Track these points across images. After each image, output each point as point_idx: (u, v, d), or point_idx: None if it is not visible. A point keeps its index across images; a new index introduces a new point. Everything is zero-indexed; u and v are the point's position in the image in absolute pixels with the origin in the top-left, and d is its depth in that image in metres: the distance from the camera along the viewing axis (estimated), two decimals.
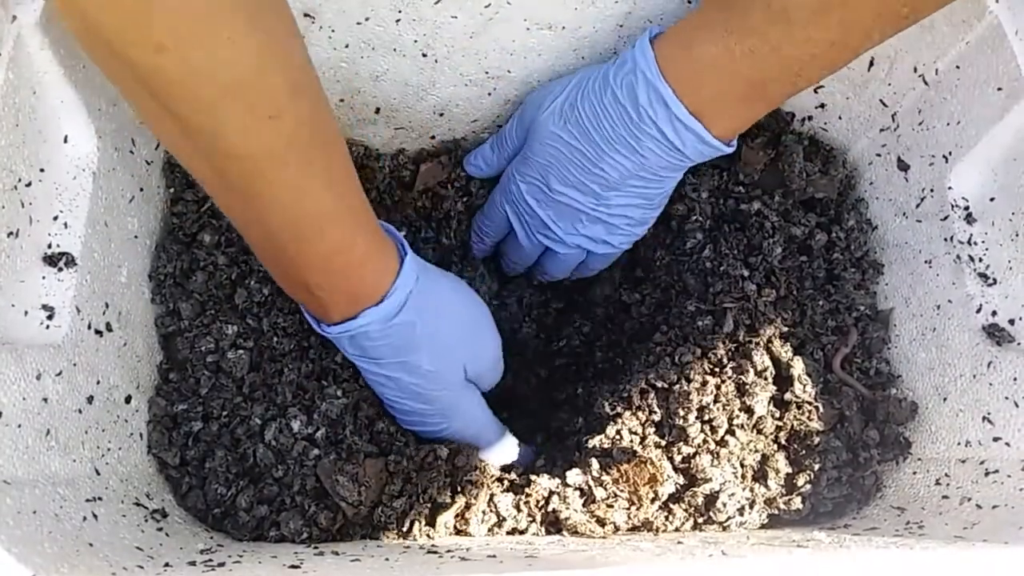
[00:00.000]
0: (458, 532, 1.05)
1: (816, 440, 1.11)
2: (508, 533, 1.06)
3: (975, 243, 1.10)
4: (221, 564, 0.86)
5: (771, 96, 1.05)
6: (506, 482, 1.10)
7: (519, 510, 1.06)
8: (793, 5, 0.93)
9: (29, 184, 0.88)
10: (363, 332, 1.02)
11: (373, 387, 1.11)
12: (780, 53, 0.97)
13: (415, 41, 1.10)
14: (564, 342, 1.38)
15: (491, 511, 1.06)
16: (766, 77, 1.01)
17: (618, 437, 1.10)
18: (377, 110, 1.21)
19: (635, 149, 1.08)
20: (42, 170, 0.91)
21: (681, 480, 1.09)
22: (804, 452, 1.11)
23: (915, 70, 1.15)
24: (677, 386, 1.12)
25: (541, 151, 1.16)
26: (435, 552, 0.92)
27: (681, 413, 1.09)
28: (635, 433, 1.11)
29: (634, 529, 1.07)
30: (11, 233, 0.85)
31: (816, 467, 1.10)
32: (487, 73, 1.17)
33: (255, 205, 0.88)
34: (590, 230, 1.20)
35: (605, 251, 1.24)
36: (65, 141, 0.95)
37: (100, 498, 0.89)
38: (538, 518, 1.06)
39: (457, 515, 1.05)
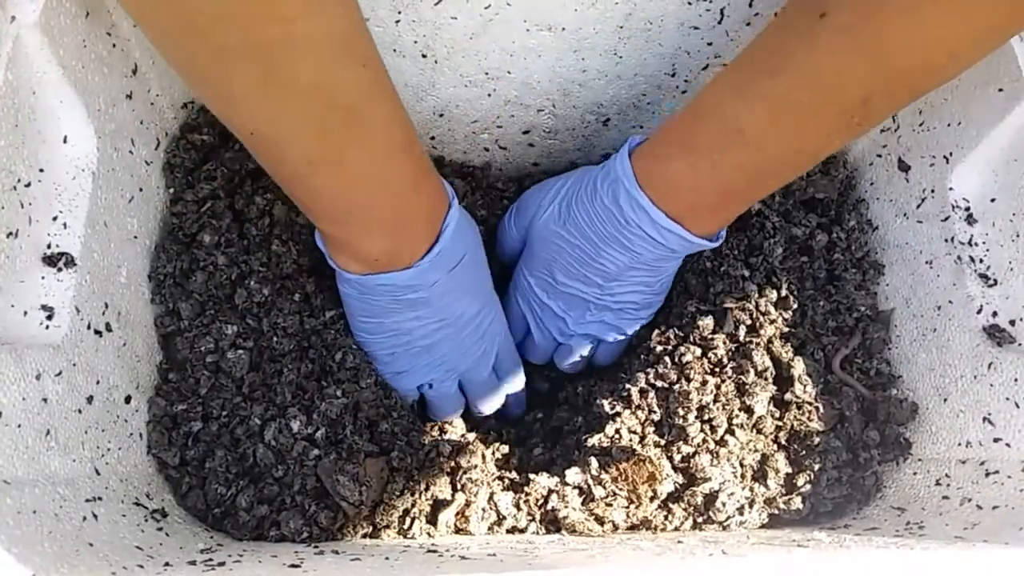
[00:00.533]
0: (458, 531, 1.05)
1: (816, 440, 1.11)
2: (508, 532, 1.06)
3: (976, 244, 1.10)
4: (221, 563, 0.86)
5: (745, 199, 1.09)
6: (506, 480, 1.10)
7: (519, 508, 1.06)
8: (745, 123, 0.96)
9: (28, 184, 0.88)
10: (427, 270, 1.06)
11: (385, 343, 1.16)
12: (743, 168, 1.00)
13: (415, 42, 1.10)
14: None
15: (491, 509, 1.06)
16: (734, 188, 1.04)
17: (617, 436, 1.10)
18: None
19: (627, 247, 1.12)
20: (41, 170, 0.91)
21: (680, 479, 1.09)
22: (804, 452, 1.11)
23: None
24: (677, 385, 1.12)
25: (544, 248, 1.22)
26: (435, 551, 0.92)
27: (681, 412, 1.09)
28: (634, 432, 1.11)
29: (633, 528, 1.07)
30: (10, 233, 0.85)
31: (816, 467, 1.10)
32: (487, 74, 1.17)
33: (349, 155, 0.91)
34: (599, 317, 1.23)
35: (615, 338, 1.27)
36: (64, 141, 0.94)
37: (100, 498, 0.89)
38: (538, 517, 1.06)
39: (457, 513, 1.05)
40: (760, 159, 0.99)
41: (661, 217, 1.06)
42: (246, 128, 0.88)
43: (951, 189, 1.12)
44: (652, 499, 1.07)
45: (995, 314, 1.08)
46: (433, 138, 1.29)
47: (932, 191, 1.15)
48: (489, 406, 1.28)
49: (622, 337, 1.27)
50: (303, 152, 0.89)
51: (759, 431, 1.11)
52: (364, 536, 1.03)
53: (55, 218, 0.92)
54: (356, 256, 1.04)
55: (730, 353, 1.14)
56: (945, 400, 1.11)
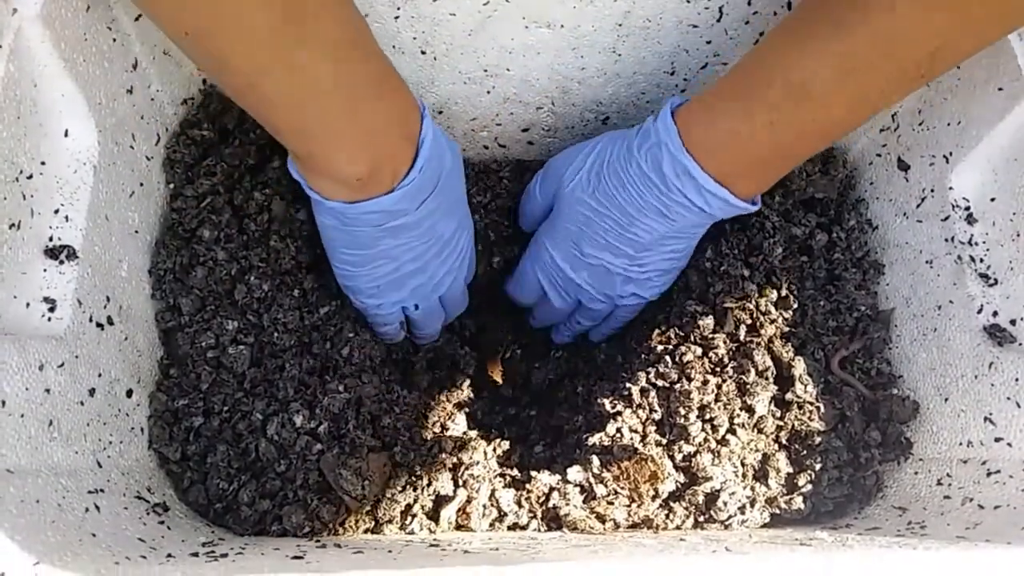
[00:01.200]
0: (460, 527, 1.05)
1: (817, 440, 1.11)
2: (509, 528, 1.06)
3: (976, 243, 1.10)
4: (224, 555, 0.86)
5: (793, 159, 1.09)
6: (508, 477, 1.09)
7: (520, 505, 1.06)
8: (812, 80, 0.95)
9: (30, 177, 0.88)
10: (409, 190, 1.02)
11: (361, 262, 1.11)
12: (800, 125, 0.99)
13: (414, 38, 1.11)
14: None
15: (492, 506, 1.06)
16: (786, 146, 1.03)
17: (619, 435, 1.10)
18: None
19: (665, 215, 1.10)
20: (43, 163, 0.91)
21: (682, 478, 1.09)
22: (805, 452, 1.11)
23: None
24: (678, 385, 1.12)
25: (572, 219, 1.19)
26: (437, 545, 0.92)
27: (682, 412, 1.09)
28: (636, 431, 1.11)
29: (634, 527, 1.07)
30: (13, 225, 0.85)
31: (817, 467, 1.10)
32: (486, 71, 1.17)
33: (299, 58, 0.88)
34: (624, 288, 1.22)
35: (635, 303, 1.26)
36: (66, 135, 0.94)
37: (102, 490, 0.88)
38: (539, 514, 1.06)
39: (459, 509, 1.05)
40: (821, 116, 0.98)
41: (708, 181, 1.04)
42: (187, 26, 0.84)
43: (951, 188, 1.13)
44: (654, 498, 1.06)
45: (995, 314, 1.08)
46: None
47: (932, 190, 1.15)
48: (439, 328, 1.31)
49: (642, 302, 1.27)
50: (249, 56, 0.85)
51: (760, 431, 1.11)
52: (366, 531, 1.03)
53: (57, 211, 0.92)
54: (336, 178, 1.00)
55: (731, 353, 1.14)
56: (946, 400, 1.11)
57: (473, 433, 1.21)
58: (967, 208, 1.12)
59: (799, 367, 1.13)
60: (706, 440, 1.09)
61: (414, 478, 1.06)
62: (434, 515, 1.04)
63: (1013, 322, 1.06)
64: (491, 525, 1.06)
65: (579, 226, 1.18)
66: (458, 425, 1.24)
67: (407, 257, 1.11)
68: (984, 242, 1.10)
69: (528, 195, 1.28)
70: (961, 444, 1.07)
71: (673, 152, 1.05)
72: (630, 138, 1.12)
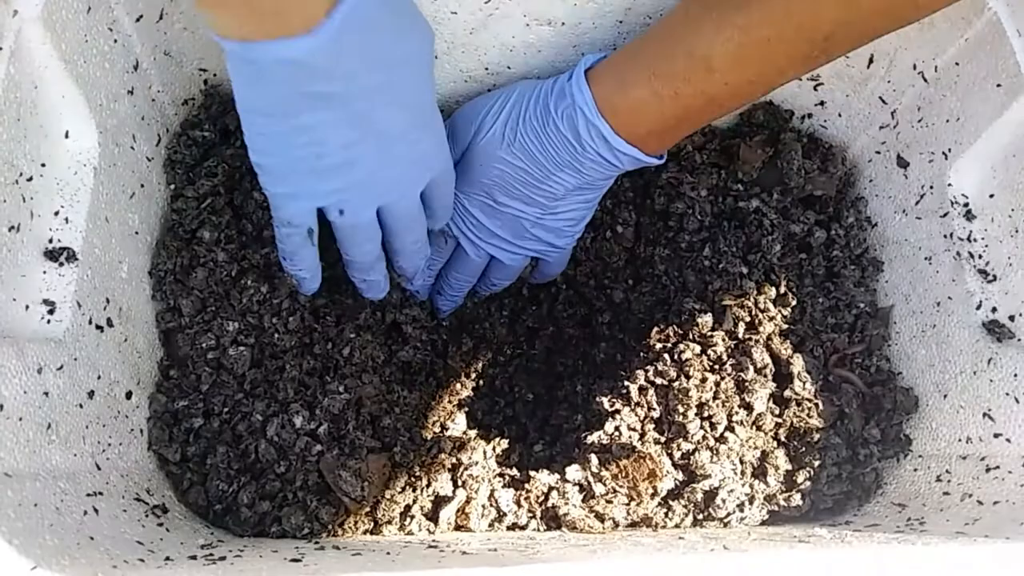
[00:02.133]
0: (459, 527, 1.05)
1: (816, 437, 1.11)
2: (508, 528, 1.06)
3: (975, 240, 1.10)
4: (222, 558, 0.86)
5: (699, 124, 1.14)
6: (507, 477, 1.10)
7: (519, 505, 1.06)
8: (713, 54, 1.01)
9: (30, 179, 0.88)
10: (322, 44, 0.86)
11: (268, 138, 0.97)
12: (703, 94, 1.04)
13: None
14: (564, 338, 1.38)
15: (491, 506, 1.06)
16: (691, 113, 1.07)
17: (617, 433, 1.10)
18: None
19: (578, 170, 1.13)
20: (43, 165, 0.91)
21: (680, 476, 1.09)
22: (804, 449, 1.11)
23: (914, 67, 1.15)
24: (676, 383, 1.12)
25: (486, 172, 1.18)
26: (436, 547, 0.92)
27: (680, 410, 1.09)
28: (634, 429, 1.11)
29: (633, 525, 1.07)
30: (12, 227, 0.85)
31: (816, 464, 1.10)
32: (487, 69, 1.17)
33: None
34: (536, 235, 1.23)
35: (553, 253, 1.27)
36: (66, 136, 0.94)
37: (101, 493, 0.89)
38: (538, 514, 1.06)
39: (458, 510, 1.05)
40: (722, 89, 1.03)
41: (620, 143, 1.08)
42: None
43: (950, 185, 1.13)
44: (652, 496, 1.06)
45: (994, 310, 1.08)
46: None
47: (931, 187, 1.15)
48: (411, 260, 1.19)
49: (559, 252, 1.28)
50: None
51: (759, 428, 1.11)
52: (365, 532, 1.03)
53: (57, 212, 0.92)
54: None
55: (729, 350, 1.14)
56: (945, 396, 1.11)
57: (472, 433, 1.21)
58: (966, 204, 1.12)
59: (798, 364, 1.13)
60: (705, 438, 1.09)
61: (413, 479, 1.06)
62: (433, 516, 1.04)
63: (1012, 318, 1.06)
64: (490, 525, 1.06)
65: (492, 178, 1.18)
66: (458, 425, 1.24)
67: (333, 142, 0.96)
68: (983, 238, 1.10)
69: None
70: (960, 440, 1.07)
71: (588, 116, 1.08)
72: (546, 95, 1.13)
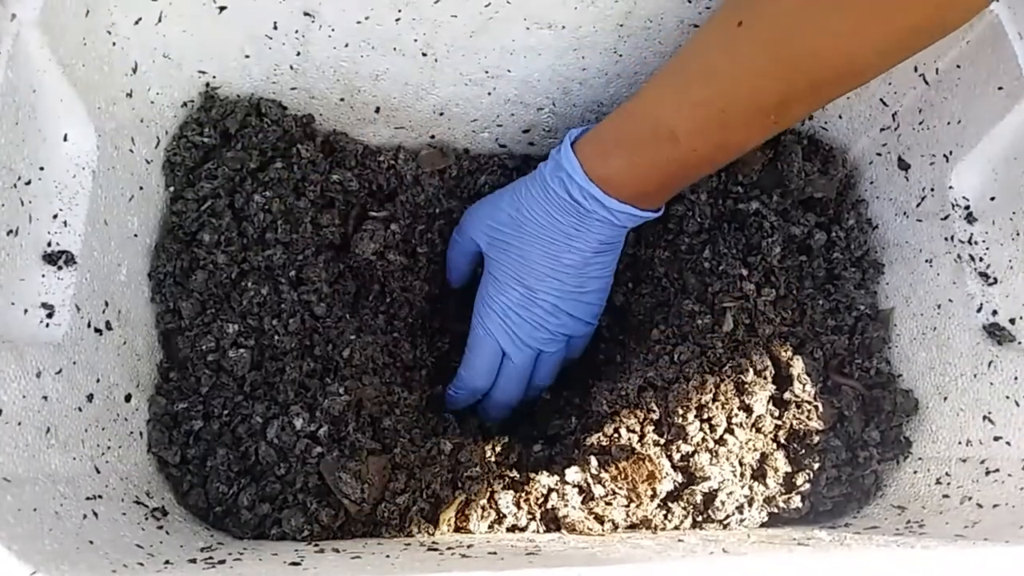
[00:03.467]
0: (458, 529, 1.05)
1: (815, 439, 1.11)
2: (508, 530, 1.05)
3: (976, 242, 1.10)
4: (221, 561, 0.86)
5: (682, 184, 1.19)
6: (506, 479, 1.09)
7: (519, 507, 1.06)
8: (677, 126, 1.05)
9: (29, 182, 0.88)
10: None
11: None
12: (675, 161, 1.09)
13: (415, 40, 1.11)
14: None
15: (491, 508, 1.06)
16: (669, 176, 1.13)
17: (616, 435, 1.10)
18: (377, 109, 1.22)
19: (587, 230, 1.17)
20: (42, 168, 0.91)
21: (680, 478, 1.09)
22: (803, 451, 1.11)
23: (915, 69, 1.15)
24: (676, 385, 1.12)
25: (508, 262, 1.23)
26: (436, 549, 0.92)
27: (680, 411, 1.09)
28: (633, 431, 1.11)
29: (633, 527, 1.07)
30: (11, 231, 0.85)
31: (815, 466, 1.10)
32: (487, 72, 1.17)
33: None
34: (571, 315, 1.24)
35: (584, 331, 1.29)
36: (65, 139, 0.94)
37: (100, 496, 0.89)
38: (538, 516, 1.06)
39: (458, 512, 1.05)
40: (691, 156, 1.08)
41: (613, 203, 1.13)
42: None
43: (951, 188, 1.13)
44: (652, 498, 1.06)
45: (995, 312, 1.08)
46: (433, 137, 1.29)
47: (932, 190, 1.15)
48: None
49: (589, 330, 1.30)
50: None
51: (758, 430, 1.11)
52: (365, 534, 1.03)
53: (55, 216, 0.92)
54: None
55: (729, 352, 1.14)
56: (945, 399, 1.11)
57: (472, 435, 1.21)
58: (967, 207, 1.12)
59: (797, 366, 1.13)
60: (704, 440, 1.09)
61: (413, 481, 1.05)
62: (433, 518, 1.04)
63: (1012, 321, 1.06)
64: (490, 527, 1.06)
65: (518, 263, 1.22)
66: (457, 427, 1.23)
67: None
68: (984, 241, 1.10)
69: (453, 246, 1.31)
70: (960, 443, 1.07)
71: (579, 182, 1.13)
72: (541, 170, 1.19)
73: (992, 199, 1.10)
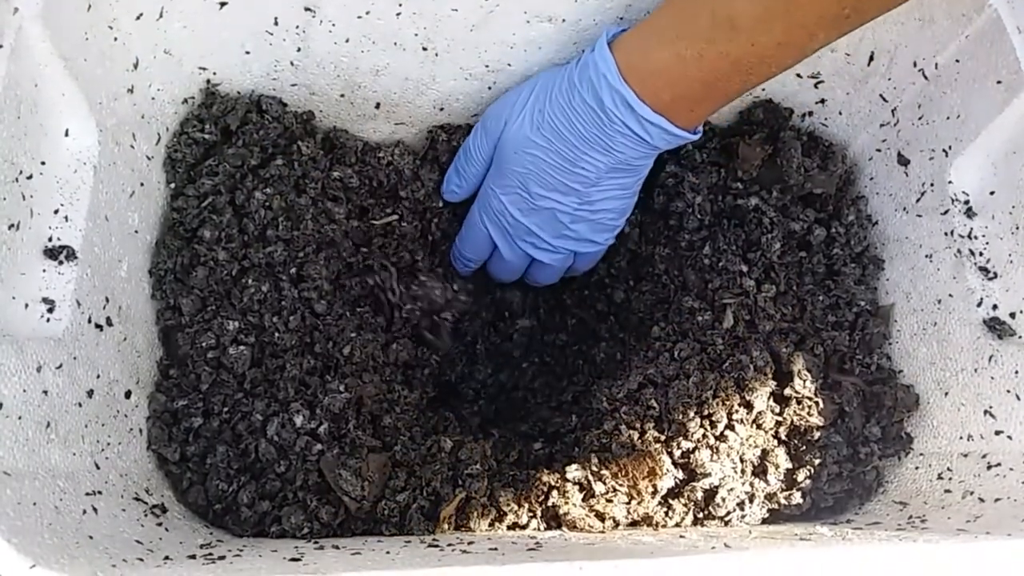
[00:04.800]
0: (459, 527, 1.05)
1: (816, 435, 1.11)
2: (509, 528, 1.05)
3: (975, 237, 1.10)
4: (221, 557, 0.86)
5: (726, 93, 1.08)
6: (507, 476, 1.09)
7: (519, 505, 1.06)
8: (737, 13, 0.97)
9: (30, 177, 0.88)
10: None
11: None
12: (728, 57, 1.00)
13: (415, 35, 1.11)
14: (564, 338, 1.38)
15: (492, 506, 1.06)
16: (717, 78, 1.04)
17: (617, 432, 1.10)
18: (377, 105, 1.22)
19: (608, 146, 1.11)
20: (43, 163, 0.91)
21: (680, 475, 1.08)
22: (804, 447, 1.11)
23: (915, 65, 1.15)
24: (676, 381, 1.12)
25: (518, 160, 1.18)
26: (436, 546, 0.92)
27: (680, 408, 1.09)
28: (634, 428, 1.11)
29: (634, 524, 1.07)
30: (12, 226, 0.85)
31: (816, 462, 1.10)
32: (487, 67, 1.17)
33: None
34: (575, 231, 1.22)
35: (590, 250, 1.27)
36: (66, 134, 0.95)
37: (100, 492, 0.89)
38: (539, 513, 1.06)
39: (458, 509, 1.05)
40: (747, 50, 1.00)
41: (646, 110, 1.06)
42: None
43: (950, 183, 1.13)
44: (653, 495, 1.06)
45: (995, 307, 1.08)
46: (433, 131, 1.29)
47: (931, 185, 1.15)
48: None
49: (598, 248, 1.28)
50: None
51: (759, 426, 1.11)
52: (365, 531, 1.03)
53: (56, 211, 0.92)
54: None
55: (729, 349, 1.14)
56: (946, 394, 1.11)
57: (472, 432, 1.21)
58: (966, 202, 1.12)
59: (798, 362, 1.13)
60: (704, 436, 1.09)
61: (413, 478, 1.05)
62: (433, 515, 1.04)
63: (1013, 315, 1.06)
64: (490, 524, 1.05)
65: (526, 167, 1.17)
66: (458, 424, 1.23)
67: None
68: (983, 236, 1.10)
69: (466, 151, 1.26)
70: (961, 438, 1.07)
71: (611, 82, 1.06)
72: (569, 71, 1.13)
73: (992, 193, 1.10)
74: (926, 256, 1.16)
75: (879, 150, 1.24)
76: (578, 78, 1.10)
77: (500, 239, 1.26)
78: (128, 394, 0.99)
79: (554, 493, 1.06)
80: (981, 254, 1.10)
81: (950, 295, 1.12)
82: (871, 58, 1.18)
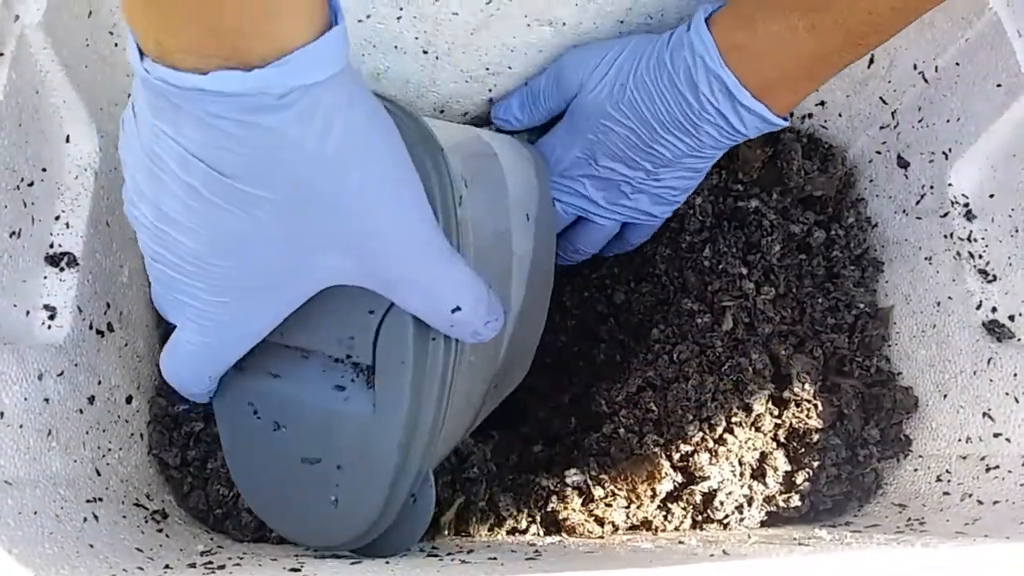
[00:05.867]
0: (458, 532, 1.05)
1: (815, 438, 1.11)
2: (508, 533, 1.06)
3: (975, 240, 1.11)
4: (221, 566, 0.86)
5: (832, 67, 1.02)
6: (506, 480, 1.10)
7: (519, 510, 1.06)
8: None
9: (31, 184, 0.88)
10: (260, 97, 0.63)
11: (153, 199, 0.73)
12: (843, 26, 0.94)
13: (416, 38, 1.10)
14: (564, 339, 1.38)
15: (491, 510, 1.06)
16: (829, 50, 0.98)
17: (615, 435, 1.10)
18: None
19: (692, 133, 1.05)
20: (44, 170, 0.91)
21: (679, 478, 1.09)
22: (803, 450, 1.11)
23: (915, 67, 1.15)
24: (675, 384, 1.12)
25: (589, 128, 1.12)
26: (435, 555, 0.92)
27: (679, 411, 1.10)
28: (633, 431, 1.11)
29: (633, 528, 1.07)
30: (13, 233, 0.85)
31: (815, 465, 1.10)
32: (487, 70, 1.17)
33: None
34: (634, 201, 1.16)
35: (646, 222, 1.20)
36: (67, 141, 0.95)
37: (100, 499, 0.89)
38: (538, 518, 1.06)
39: (457, 514, 1.05)
40: (863, 19, 0.93)
41: (746, 96, 1.00)
42: None
43: (950, 185, 1.13)
44: (652, 498, 1.07)
45: (994, 309, 1.08)
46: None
47: (931, 187, 1.15)
48: None
49: (654, 222, 1.20)
50: None
51: (757, 429, 1.11)
52: None
53: (58, 217, 0.93)
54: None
55: (728, 351, 1.14)
56: (945, 396, 1.11)
57: (471, 436, 1.21)
58: (966, 204, 1.12)
59: (797, 365, 1.13)
60: (703, 439, 1.09)
61: None
62: (432, 520, 1.04)
63: (1012, 318, 1.06)
64: (490, 530, 1.06)
65: (597, 135, 1.11)
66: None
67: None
68: (983, 238, 1.10)
69: (541, 91, 1.17)
70: (960, 440, 1.07)
71: (709, 65, 1.00)
72: (659, 48, 1.05)
73: (991, 196, 1.10)
74: (925, 258, 1.16)
75: (879, 152, 1.24)
76: (670, 58, 1.03)
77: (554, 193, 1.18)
78: (129, 399, 1.00)
79: (553, 498, 1.06)
80: (980, 257, 1.10)
81: (949, 297, 1.12)
82: (871, 61, 1.18)
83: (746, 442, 1.10)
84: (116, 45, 0.99)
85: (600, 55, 1.11)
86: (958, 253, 1.11)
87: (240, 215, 0.69)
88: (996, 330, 1.06)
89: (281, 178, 0.68)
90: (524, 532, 1.06)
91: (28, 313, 0.88)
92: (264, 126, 0.65)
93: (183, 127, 0.65)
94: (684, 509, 1.08)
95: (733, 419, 1.10)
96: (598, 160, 1.13)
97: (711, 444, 1.09)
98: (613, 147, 1.10)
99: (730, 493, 1.07)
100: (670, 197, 1.15)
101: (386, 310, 0.80)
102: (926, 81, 1.14)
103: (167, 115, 0.66)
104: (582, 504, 1.06)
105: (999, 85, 1.05)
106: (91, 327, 0.94)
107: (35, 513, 0.78)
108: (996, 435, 1.03)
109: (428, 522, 0.88)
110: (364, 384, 0.83)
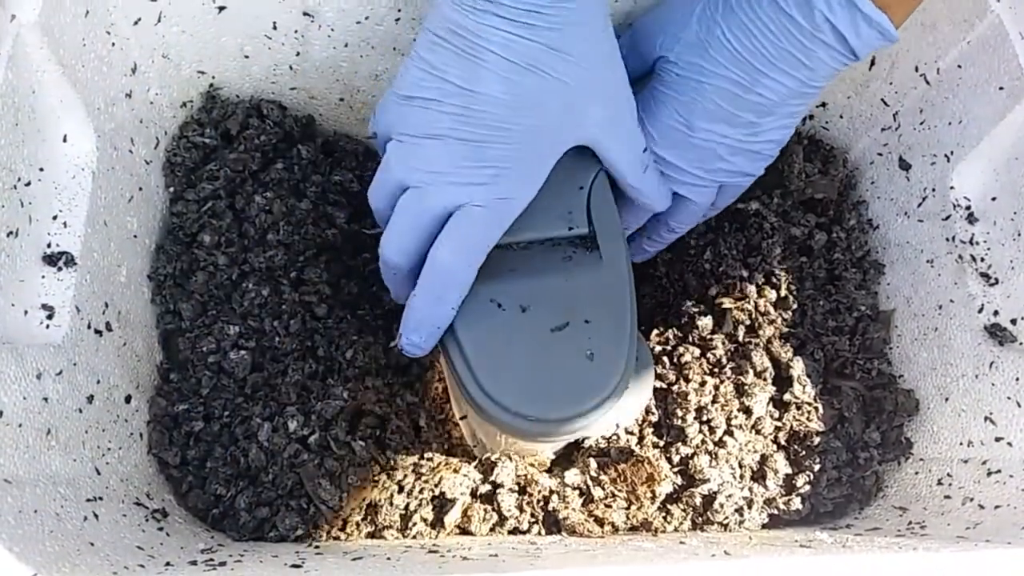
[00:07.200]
0: (460, 531, 1.05)
1: (816, 441, 1.11)
2: (510, 533, 1.05)
3: (977, 243, 1.10)
4: (222, 563, 0.86)
5: None
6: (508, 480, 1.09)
7: (521, 510, 1.06)
8: None
9: (28, 183, 0.88)
10: None
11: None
12: None
13: (414, 39, 1.10)
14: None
15: (493, 510, 1.06)
16: None
17: (615, 437, 1.10)
18: None
19: (802, 63, 0.96)
20: (41, 169, 0.91)
21: (679, 480, 1.08)
22: (803, 453, 1.11)
23: (916, 69, 1.15)
24: (676, 386, 1.12)
25: (678, 87, 1.02)
26: (436, 551, 0.92)
27: (679, 413, 1.09)
28: (632, 433, 1.11)
29: (633, 529, 1.07)
30: (11, 233, 0.85)
31: (815, 468, 1.10)
32: None
33: None
34: (731, 163, 1.06)
35: (742, 182, 1.10)
36: (64, 140, 0.94)
37: (101, 498, 0.89)
38: (540, 518, 1.06)
39: (461, 513, 1.05)
40: None
41: (868, 6, 0.90)
42: None
43: (952, 188, 1.12)
44: (652, 500, 1.06)
45: (996, 313, 1.07)
46: None
47: (933, 190, 1.15)
48: None
49: (747, 180, 1.10)
50: None
51: (758, 432, 1.11)
52: (368, 535, 1.03)
53: (55, 217, 0.92)
54: None
55: (729, 353, 1.14)
56: (946, 400, 1.11)
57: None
58: (968, 207, 1.12)
59: (798, 368, 1.13)
60: (704, 442, 1.09)
61: (414, 482, 1.05)
62: (434, 520, 1.04)
63: (1014, 321, 1.06)
64: (491, 529, 1.05)
65: (690, 95, 1.01)
66: (459, 427, 1.23)
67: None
68: (985, 241, 1.10)
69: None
70: (961, 444, 1.07)
71: None
72: None
73: (993, 199, 1.10)
74: (927, 261, 1.16)
75: (880, 154, 1.24)
76: None
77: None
78: (128, 399, 1.00)
79: (554, 498, 1.06)
80: (982, 260, 1.09)
81: (951, 300, 1.12)
82: (872, 62, 1.18)
83: (746, 444, 1.10)
84: (113, 44, 0.99)
85: (675, 9, 1.03)
86: (960, 256, 1.10)
87: (550, 79, 0.87)
88: (998, 334, 1.06)
89: (580, 44, 0.87)
90: (526, 532, 1.05)
91: (26, 313, 0.87)
92: (569, 7, 0.84)
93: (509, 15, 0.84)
94: (684, 511, 1.07)
95: (733, 421, 1.10)
96: (693, 124, 1.02)
97: (711, 446, 1.09)
98: (708, 103, 1.01)
99: (730, 495, 1.07)
100: (767, 152, 1.07)
101: (591, 183, 0.99)
102: (928, 83, 1.14)
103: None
104: (582, 504, 1.06)
105: (1001, 88, 1.05)
106: (89, 326, 0.94)
107: (35, 512, 0.77)
108: (998, 439, 1.03)
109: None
110: (585, 250, 0.98)
